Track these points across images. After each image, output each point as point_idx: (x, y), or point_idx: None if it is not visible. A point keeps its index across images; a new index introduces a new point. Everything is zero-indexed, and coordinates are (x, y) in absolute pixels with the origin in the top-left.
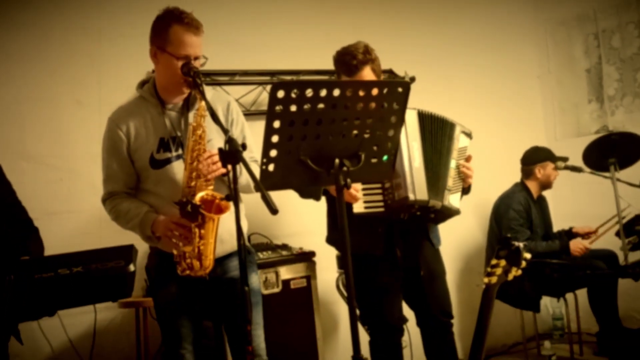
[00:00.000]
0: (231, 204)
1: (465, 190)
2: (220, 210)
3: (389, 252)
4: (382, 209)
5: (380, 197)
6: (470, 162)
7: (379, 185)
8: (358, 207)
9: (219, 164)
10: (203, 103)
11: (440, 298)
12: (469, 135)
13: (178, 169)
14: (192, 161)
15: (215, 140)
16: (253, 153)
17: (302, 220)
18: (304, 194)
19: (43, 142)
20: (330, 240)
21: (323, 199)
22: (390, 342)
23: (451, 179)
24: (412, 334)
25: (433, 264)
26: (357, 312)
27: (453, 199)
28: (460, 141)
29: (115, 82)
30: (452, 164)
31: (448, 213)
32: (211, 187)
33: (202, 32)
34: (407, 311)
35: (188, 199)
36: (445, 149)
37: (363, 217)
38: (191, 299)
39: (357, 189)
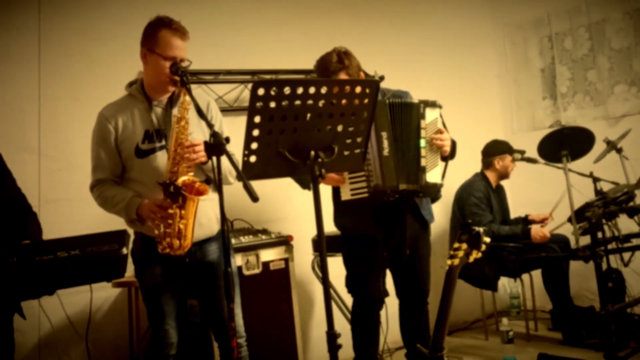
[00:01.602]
0: (209, 187)
1: (450, 156)
2: (200, 193)
3: (378, 232)
4: (366, 195)
5: (364, 184)
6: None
7: (363, 173)
8: (345, 194)
9: (200, 153)
10: (187, 97)
11: (420, 277)
12: (434, 106)
13: (161, 158)
14: (175, 148)
15: (196, 134)
16: (230, 147)
17: (281, 207)
18: (303, 185)
19: (43, 136)
20: (336, 224)
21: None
22: (371, 312)
23: (424, 159)
24: (390, 308)
25: (419, 243)
26: (336, 284)
27: (431, 176)
28: (427, 117)
29: (110, 81)
30: (422, 143)
31: (430, 190)
32: (191, 173)
33: (188, 37)
34: (389, 283)
35: (171, 181)
36: (413, 133)
37: (354, 202)
38: (174, 280)
39: (341, 174)
